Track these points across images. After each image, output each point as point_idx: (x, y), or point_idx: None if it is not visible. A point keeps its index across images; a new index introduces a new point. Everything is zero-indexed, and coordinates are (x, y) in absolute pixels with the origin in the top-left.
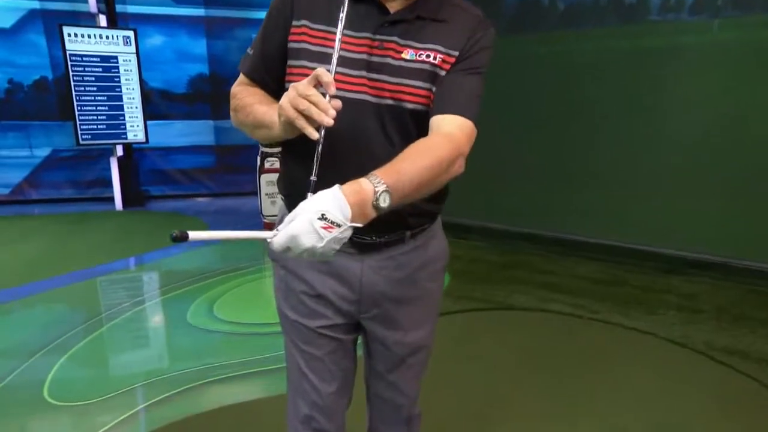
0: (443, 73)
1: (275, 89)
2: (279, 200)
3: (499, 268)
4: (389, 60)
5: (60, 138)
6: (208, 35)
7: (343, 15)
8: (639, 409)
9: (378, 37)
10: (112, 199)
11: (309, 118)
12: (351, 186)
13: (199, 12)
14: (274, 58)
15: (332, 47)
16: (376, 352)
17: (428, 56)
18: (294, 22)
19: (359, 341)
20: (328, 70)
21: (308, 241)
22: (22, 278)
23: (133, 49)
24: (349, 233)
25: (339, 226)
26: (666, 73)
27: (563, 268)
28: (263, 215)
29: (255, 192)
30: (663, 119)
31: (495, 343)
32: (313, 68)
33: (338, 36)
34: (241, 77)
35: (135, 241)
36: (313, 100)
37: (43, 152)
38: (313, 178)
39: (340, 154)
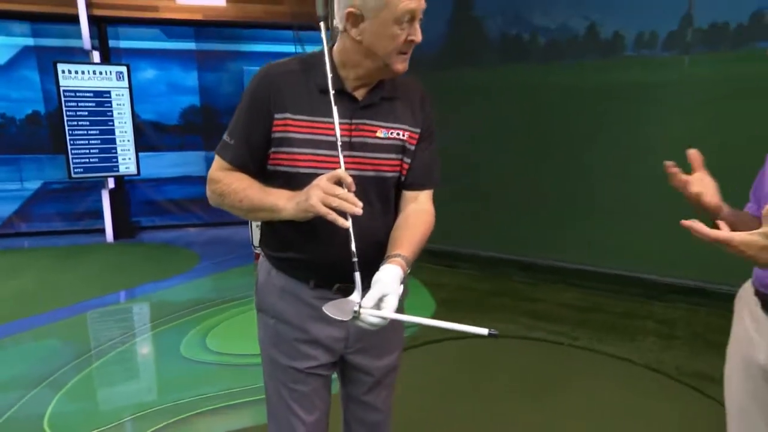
0: (410, 146)
1: (255, 172)
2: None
3: (486, 296)
4: (367, 139)
5: (51, 171)
6: (199, 68)
7: (335, 109)
8: (606, 430)
9: (354, 121)
10: (102, 231)
11: (338, 211)
12: (401, 266)
13: (190, 46)
14: (258, 146)
15: (316, 133)
16: (353, 378)
17: (398, 134)
18: (276, 115)
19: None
20: (327, 155)
21: None
22: (13, 313)
23: (125, 83)
24: None
25: None
26: (642, 106)
27: (549, 295)
28: (254, 245)
29: (246, 222)
30: (639, 151)
31: (478, 370)
32: (300, 153)
33: (337, 128)
34: (221, 163)
35: (127, 274)
36: (343, 197)
37: (33, 185)
38: (355, 259)
39: (326, 222)
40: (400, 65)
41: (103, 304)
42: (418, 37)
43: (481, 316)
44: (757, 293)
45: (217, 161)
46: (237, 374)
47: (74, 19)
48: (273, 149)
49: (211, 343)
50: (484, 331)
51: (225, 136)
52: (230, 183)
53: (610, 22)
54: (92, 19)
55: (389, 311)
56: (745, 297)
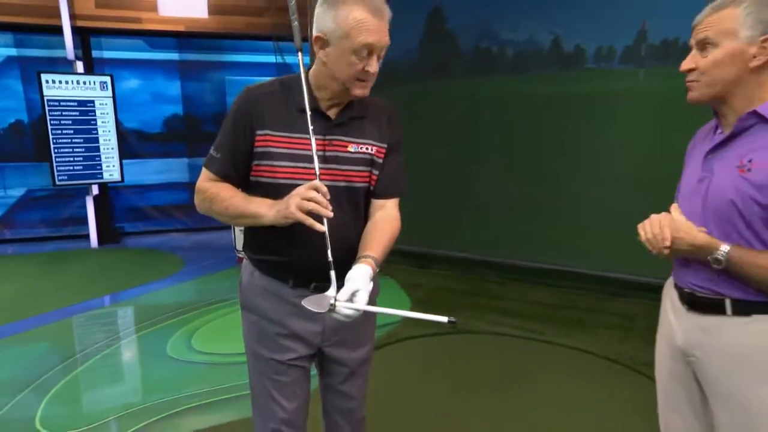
0: (378, 159)
1: (238, 182)
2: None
3: (461, 295)
4: (339, 153)
5: (35, 178)
6: (182, 77)
7: (311, 127)
8: (567, 416)
9: (328, 137)
10: (87, 237)
11: (314, 216)
12: (371, 265)
13: (173, 56)
14: (242, 160)
15: (294, 148)
16: (331, 369)
17: (367, 149)
18: (258, 132)
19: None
20: (304, 168)
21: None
22: (0, 319)
23: (109, 93)
24: None
25: None
26: (602, 114)
27: (518, 294)
28: (237, 250)
29: (228, 226)
30: (601, 156)
31: (450, 364)
32: (280, 165)
33: (313, 144)
34: (208, 174)
35: (112, 279)
36: (317, 200)
37: (17, 192)
38: (330, 259)
39: (303, 228)
40: (358, 90)
41: (89, 309)
42: (372, 69)
43: (455, 314)
44: (675, 286)
45: (205, 173)
46: (222, 372)
47: (58, 30)
48: (255, 162)
49: (197, 343)
50: (444, 319)
51: (211, 151)
52: (217, 192)
53: (571, 37)
54: (76, 30)
55: (361, 304)
56: (669, 289)
